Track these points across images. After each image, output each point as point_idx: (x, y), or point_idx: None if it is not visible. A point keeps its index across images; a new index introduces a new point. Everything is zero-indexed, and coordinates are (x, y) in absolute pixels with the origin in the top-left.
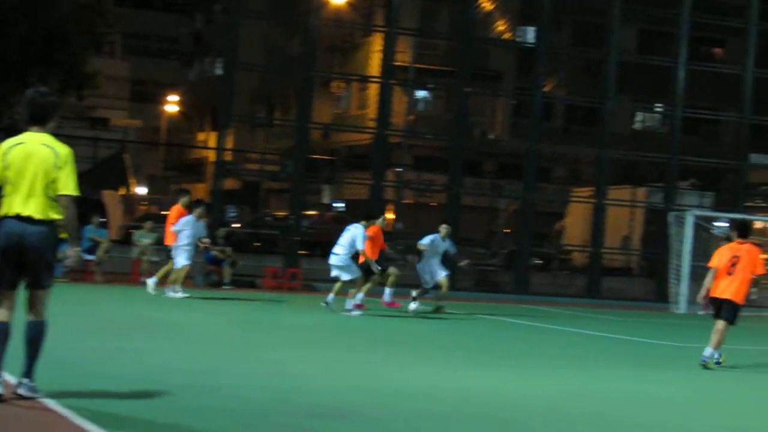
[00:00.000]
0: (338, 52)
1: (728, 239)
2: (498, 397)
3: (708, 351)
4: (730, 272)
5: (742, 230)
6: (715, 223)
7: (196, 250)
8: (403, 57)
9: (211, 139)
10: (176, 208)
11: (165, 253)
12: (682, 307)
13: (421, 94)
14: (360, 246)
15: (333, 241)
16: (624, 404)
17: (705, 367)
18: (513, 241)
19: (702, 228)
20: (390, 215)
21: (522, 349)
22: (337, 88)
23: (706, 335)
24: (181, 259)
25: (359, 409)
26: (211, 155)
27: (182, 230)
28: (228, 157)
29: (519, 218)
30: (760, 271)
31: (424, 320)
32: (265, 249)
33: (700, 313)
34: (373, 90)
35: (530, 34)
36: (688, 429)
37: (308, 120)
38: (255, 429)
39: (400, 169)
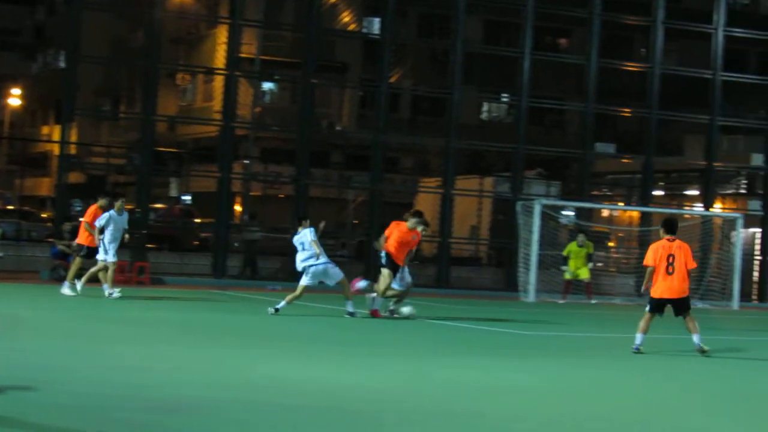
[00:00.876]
0: (183, 44)
1: (579, 228)
2: (342, 388)
3: (696, 338)
4: (669, 272)
5: (671, 227)
6: (563, 212)
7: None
8: (249, 49)
9: (56, 132)
10: (93, 208)
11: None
12: (530, 295)
13: (267, 86)
14: (311, 239)
15: (181, 235)
16: (464, 393)
17: (703, 352)
18: (362, 232)
19: (549, 217)
20: (238, 207)
21: (369, 340)
22: (182, 81)
23: (554, 323)
24: (109, 257)
25: (199, 403)
26: (56, 149)
27: (106, 227)
28: (73, 150)
29: (367, 209)
30: (692, 265)
31: (276, 315)
32: None
33: (560, 302)
34: (219, 82)
35: (376, 25)
36: (528, 416)
37: (154, 112)
38: (94, 424)
39: (248, 162)
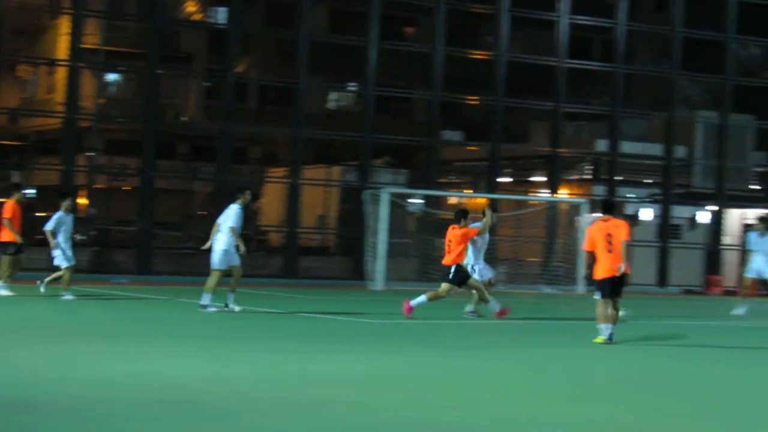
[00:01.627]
0: (25, 35)
1: (428, 216)
2: (194, 380)
3: (610, 327)
4: (609, 250)
5: (607, 208)
6: (409, 200)
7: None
8: (92, 39)
9: None
10: (9, 204)
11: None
12: (378, 283)
13: (111, 77)
14: (232, 223)
15: (26, 228)
16: (314, 383)
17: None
18: (209, 224)
19: (396, 205)
20: (83, 201)
21: (218, 333)
22: (24, 72)
23: (397, 309)
24: (64, 261)
25: (50, 400)
26: None
27: (57, 228)
28: None
29: (214, 200)
30: (625, 237)
31: (121, 308)
32: None
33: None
34: (62, 74)
35: (222, 14)
36: (374, 404)
37: None
38: None
39: (92, 154)
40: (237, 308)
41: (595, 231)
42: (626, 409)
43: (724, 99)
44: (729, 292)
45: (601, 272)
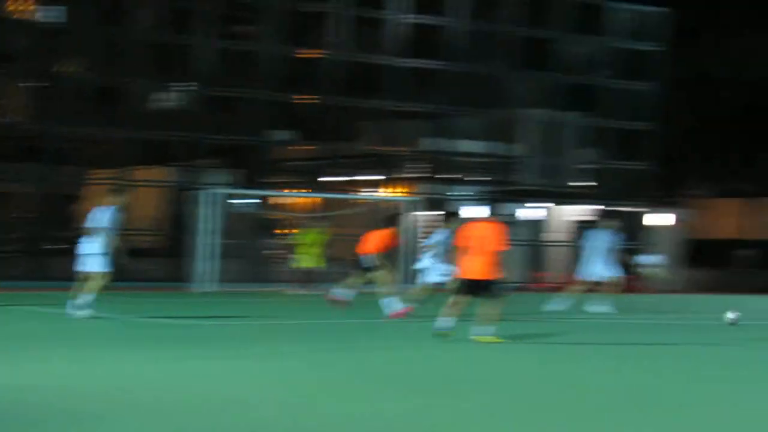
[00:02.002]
0: None
1: (258, 216)
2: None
3: (477, 329)
4: (474, 252)
5: (492, 210)
6: (240, 200)
7: None
8: None
9: None
10: None
11: None
12: (206, 285)
13: None
14: (104, 224)
15: None
16: (147, 385)
17: (477, 341)
18: (33, 227)
19: (226, 206)
20: None
21: (40, 334)
22: None
23: (227, 311)
24: None
25: None
26: None
27: None
28: None
29: (39, 202)
30: (502, 247)
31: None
32: None
33: (302, 292)
34: None
35: (53, 12)
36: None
37: None
38: None
39: None
40: (81, 314)
41: (470, 229)
42: (418, 404)
43: (555, 97)
44: (555, 288)
45: (461, 271)
